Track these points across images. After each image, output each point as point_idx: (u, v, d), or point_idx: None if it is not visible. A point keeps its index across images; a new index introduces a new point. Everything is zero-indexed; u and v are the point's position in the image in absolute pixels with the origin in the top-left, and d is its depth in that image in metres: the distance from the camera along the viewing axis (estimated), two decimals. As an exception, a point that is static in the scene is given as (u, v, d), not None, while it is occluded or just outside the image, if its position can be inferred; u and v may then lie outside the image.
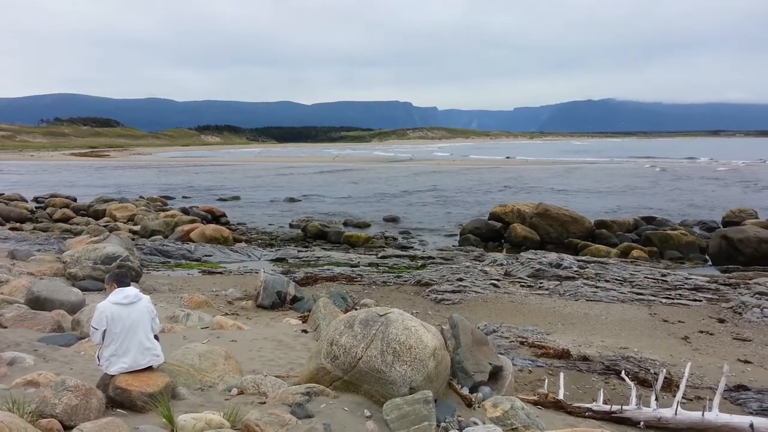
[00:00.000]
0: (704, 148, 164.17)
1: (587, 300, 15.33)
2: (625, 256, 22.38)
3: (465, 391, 6.98)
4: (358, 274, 18.32)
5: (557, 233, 25.72)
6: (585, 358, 10.49)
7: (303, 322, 11.69)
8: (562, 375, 8.36)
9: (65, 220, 30.94)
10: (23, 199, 37.76)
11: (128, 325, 6.07)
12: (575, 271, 18.45)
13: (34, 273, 15.23)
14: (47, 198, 38.37)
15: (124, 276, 6.49)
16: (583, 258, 20.94)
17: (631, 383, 7.85)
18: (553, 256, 20.06)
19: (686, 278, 17.63)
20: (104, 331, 6.10)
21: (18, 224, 29.14)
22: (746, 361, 10.75)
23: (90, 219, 31.00)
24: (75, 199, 37.97)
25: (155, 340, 6.33)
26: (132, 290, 6.27)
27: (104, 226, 27.77)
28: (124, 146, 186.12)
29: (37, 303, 11.00)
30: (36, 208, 35.33)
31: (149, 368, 6.26)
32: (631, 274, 18.23)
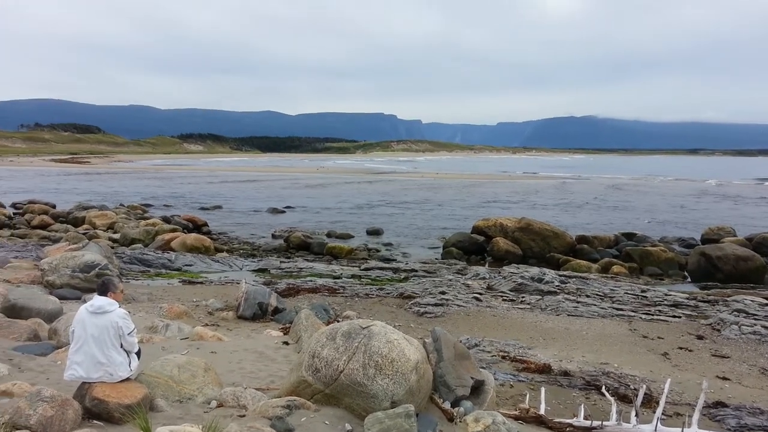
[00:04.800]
0: (670, 165, 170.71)
1: (568, 315, 15.42)
2: (606, 272, 22.58)
3: (447, 405, 6.95)
4: (341, 286, 18.24)
5: (539, 248, 25.88)
6: (566, 373, 10.53)
7: (284, 334, 11.60)
8: (543, 390, 8.37)
9: (44, 226, 30.40)
10: (1, 205, 37.07)
11: (87, 334, 5.97)
12: (557, 285, 18.57)
13: (10, 280, 14.94)
14: (25, 204, 37.72)
15: (102, 285, 6.36)
16: (565, 273, 21.07)
17: (612, 399, 7.88)
18: (535, 271, 20.17)
19: (666, 294, 17.83)
20: (73, 332, 6.07)
21: (-5, 230, 28.62)
22: (725, 378, 10.87)
23: (69, 226, 30.51)
24: (54, 206, 37.40)
25: (116, 357, 6.05)
26: (102, 301, 6.09)
27: (83, 234, 27.34)
28: (105, 153, 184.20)
29: (13, 311, 10.81)
30: (14, 214, 34.67)
31: (127, 379, 6.17)
32: (611, 289, 18.39)
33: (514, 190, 64.29)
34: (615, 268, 22.81)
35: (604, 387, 9.30)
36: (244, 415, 6.23)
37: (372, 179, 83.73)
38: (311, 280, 19.25)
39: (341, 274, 20.80)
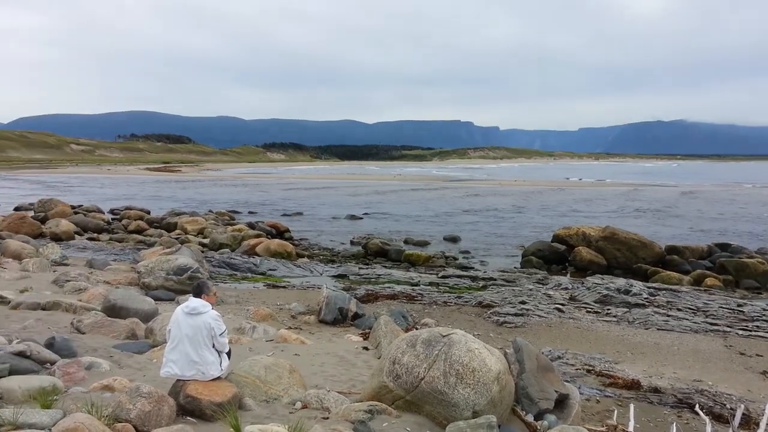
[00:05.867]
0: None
1: (658, 329, 14.70)
2: (698, 284, 21.37)
3: (530, 418, 6.82)
4: (419, 293, 18.24)
5: (625, 258, 24.85)
6: (656, 390, 10.04)
7: (364, 339, 11.75)
8: (632, 406, 8.04)
9: (139, 231, 32.07)
10: (100, 211, 39.49)
11: (182, 334, 6.28)
12: (645, 298, 17.76)
13: (110, 282, 15.97)
14: (123, 210, 39.96)
15: (196, 287, 6.71)
16: (654, 285, 20.13)
17: (706, 418, 7.49)
18: (621, 282, 19.39)
19: (764, 309, 16.67)
20: (169, 331, 6.40)
21: (95, 235, 30.56)
22: (834, 401, 10.03)
23: (162, 231, 31.96)
24: (149, 212, 39.32)
25: (208, 356, 6.32)
26: (197, 302, 6.40)
27: (176, 239, 28.71)
28: (195, 162, 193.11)
29: (113, 311, 11.50)
30: (112, 219, 36.80)
31: (218, 378, 6.44)
32: (704, 303, 17.39)
33: (585, 197, 62.11)
34: (708, 281, 21.56)
35: (697, 405, 8.83)
36: (327, 418, 6.36)
37: (448, 186, 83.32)
38: (389, 287, 19.37)
39: (419, 281, 20.81)
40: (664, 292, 18.77)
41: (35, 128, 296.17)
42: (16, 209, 38.72)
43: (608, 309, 16.60)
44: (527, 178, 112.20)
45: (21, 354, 7.19)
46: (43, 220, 30.84)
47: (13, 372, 6.64)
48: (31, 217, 31.07)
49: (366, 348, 10.85)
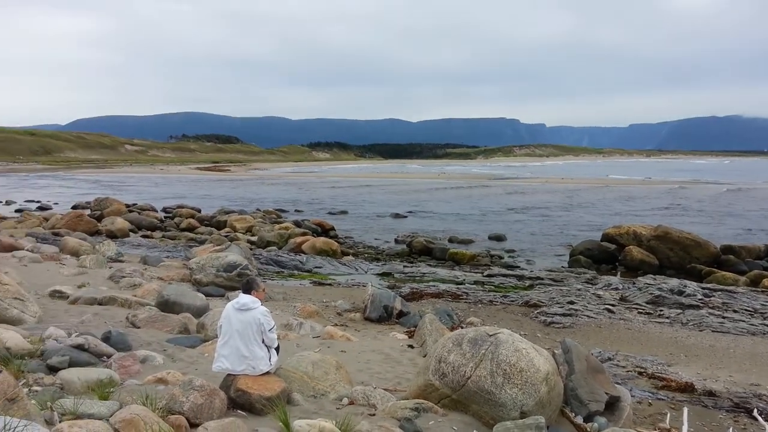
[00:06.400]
0: None
1: (713, 331, 14.22)
2: (756, 285, 20.52)
3: (579, 420, 6.71)
4: (464, 292, 18.14)
5: (678, 258, 24.09)
6: (711, 393, 9.72)
7: (409, 337, 11.77)
8: (685, 410, 7.81)
9: (191, 229, 32.75)
10: (153, 209, 40.62)
11: (232, 329, 6.40)
12: (699, 299, 17.19)
13: (163, 278, 16.45)
14: (175, 208, 40.94)
15: (246, 283, 6.85)
16: (708, 285, 19.46)
17: (765, 424, 7.20)
18: (674, 282, 18.81)
19: (829, 312, 15.89)
20: (220, 327, 6.56)
21: (149, 232, 31.48)
22: None
23: (213, 229, 32.59)
24: (199, 210, 40.15)
25: (258, 351, 6.42)
26: (246, 299, 6.51)
27: (225, 236, 29.30)
28: (243, 161, 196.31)
29: (167, 306, 11.84)
30: (165, 217, 37.73)
31: (267, 373, 6.56)
32: (762, 304, 16.73)
33: (633, 195, 60.42)
34: (766, 282, 20.68)
35: (755, 410, 8.51)
36: (374, 414, 6.40)
37: (492, 185, 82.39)
38: (434, 285, 19.31)
39: (464, 279, 20.68)
40: (719, 293, 18.13)
41: (91, 129, 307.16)
42: (74, 207, 40.29)
43: (661, 310, 16.14)
44: (574, 175, 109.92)
45: (79, 347, 7.49)
46: (100, 218, 31.97)
47: (72, 364, 6.92)
48: (88, 215, 32.27)
49: (411, 346, 10.87)
